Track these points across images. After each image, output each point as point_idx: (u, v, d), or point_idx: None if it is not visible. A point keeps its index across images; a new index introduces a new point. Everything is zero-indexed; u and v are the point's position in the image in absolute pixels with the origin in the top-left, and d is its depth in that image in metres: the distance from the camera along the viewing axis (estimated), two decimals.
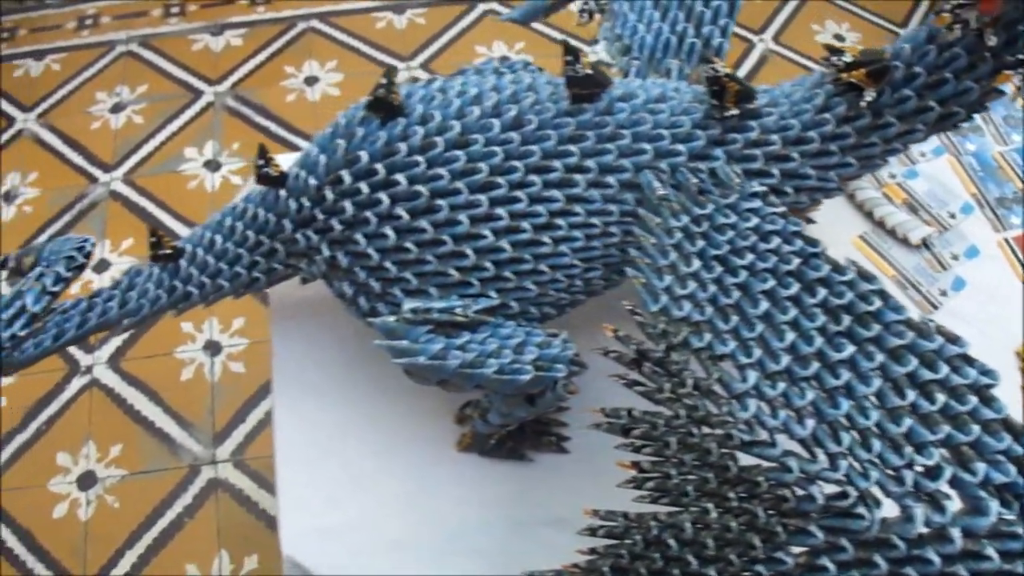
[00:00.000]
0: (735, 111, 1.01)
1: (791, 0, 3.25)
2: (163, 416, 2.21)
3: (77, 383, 2.26)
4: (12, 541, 2.03)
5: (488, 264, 1.01)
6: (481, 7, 3.15)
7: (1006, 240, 1.45)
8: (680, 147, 1.01)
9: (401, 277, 1.03)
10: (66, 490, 2.11)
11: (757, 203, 0.96)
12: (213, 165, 2.68)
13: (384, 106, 1.02)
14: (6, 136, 2.79)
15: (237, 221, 1.13)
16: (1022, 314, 1.33)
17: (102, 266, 2.45)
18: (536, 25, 3.07)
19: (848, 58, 0.98)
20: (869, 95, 0.98)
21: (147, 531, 2.04)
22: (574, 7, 1.33)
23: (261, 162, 1.09)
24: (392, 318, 1.02)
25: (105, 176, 2.66)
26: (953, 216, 1.45)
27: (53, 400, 2.24)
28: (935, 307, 1.35)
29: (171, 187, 2.64)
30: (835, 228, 1.40)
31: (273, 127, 2.77)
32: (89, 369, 2.28)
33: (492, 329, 1.02)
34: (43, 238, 2.52)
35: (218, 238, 1.14)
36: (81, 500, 2.09)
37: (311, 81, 2.90)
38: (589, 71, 0.99)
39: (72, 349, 2.28)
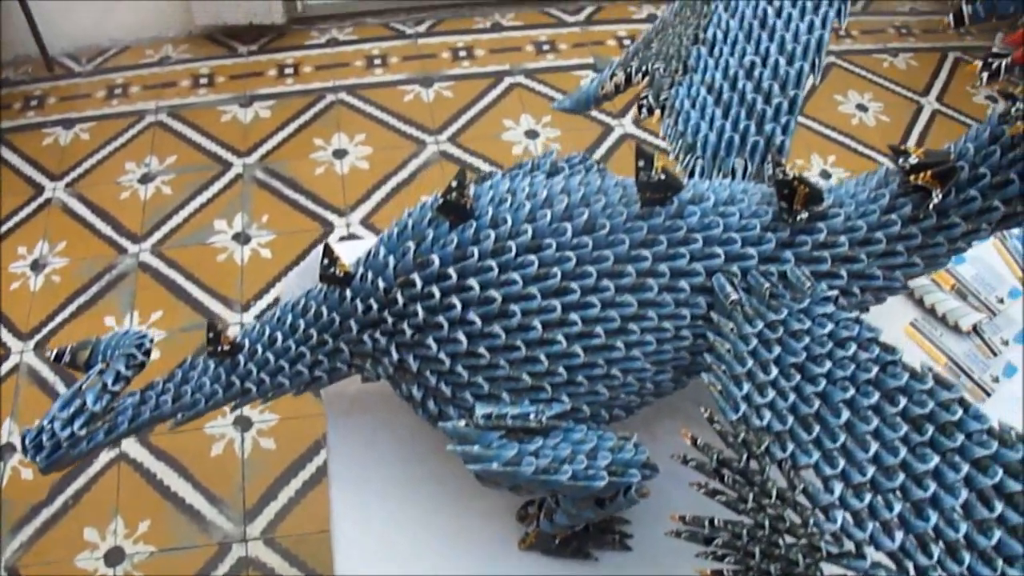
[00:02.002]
0: (804, 214, 1.00)
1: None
2: (192, 492, 2.19)
3: (105, 456, 2.24)
4: None
5: (561, 369, 0.99)
6: (508, 80, 3.18)
7: None
8: (751, 250, 1.00)
9: (473, 382, 1.01)
10: (93, 566, 2.08)
11: (830, 308, 0.95)
12: (242, 238, 2.69)
13: (455, 209, 1.01)
14: (35, 204, 2.80)
15: (299, 319, 1.11)
16: None
17: None
18: (559, 95, 3.10)
19: (914, 159, 0.97)
20: (936, 197, 0.97)
21: None
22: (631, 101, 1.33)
23: (326, 261, 1.07)
24: (463, 423, 1.00)
25: (134, 247, 2.67)
26: (1002, 301, 1.44)
27: (80, 474, 2.22)
28: (988, 394, 1.34)
29: (200, 259, 2.64)
30: (886, 315, 1.38)
31: (302, 200, 2.79)
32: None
33: (564, 433, 1.00)
34: (72, 308, 2.52)
35: (279, 335, 1.12)
36: None
37: (340, 154, 2.92)
38: (663, 176, 0.98)
39: None
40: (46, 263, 2.64)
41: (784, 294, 0.97)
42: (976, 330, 1.41)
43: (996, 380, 1.35)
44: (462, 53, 3.30)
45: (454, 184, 1.00)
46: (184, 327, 2.47)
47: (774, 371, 0.91)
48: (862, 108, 3.19)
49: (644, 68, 1.31)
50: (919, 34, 3.59)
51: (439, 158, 2.92)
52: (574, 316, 0.98)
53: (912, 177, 0.97)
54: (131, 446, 2.25)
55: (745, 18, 1.24)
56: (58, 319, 2.50)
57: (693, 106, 1.22)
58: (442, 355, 1.01)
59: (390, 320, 1.03)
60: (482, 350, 0.99)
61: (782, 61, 1.18)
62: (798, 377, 0.90)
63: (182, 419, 1.15)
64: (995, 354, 1.38)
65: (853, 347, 0.91)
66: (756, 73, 1.19)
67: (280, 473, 2.21)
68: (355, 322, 1.06)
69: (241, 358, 1.14)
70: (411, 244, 1.02)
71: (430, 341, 1.01)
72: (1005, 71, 0.82)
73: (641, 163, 0.98)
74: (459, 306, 0.99)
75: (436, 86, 3.14)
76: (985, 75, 0.84)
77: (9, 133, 3.01)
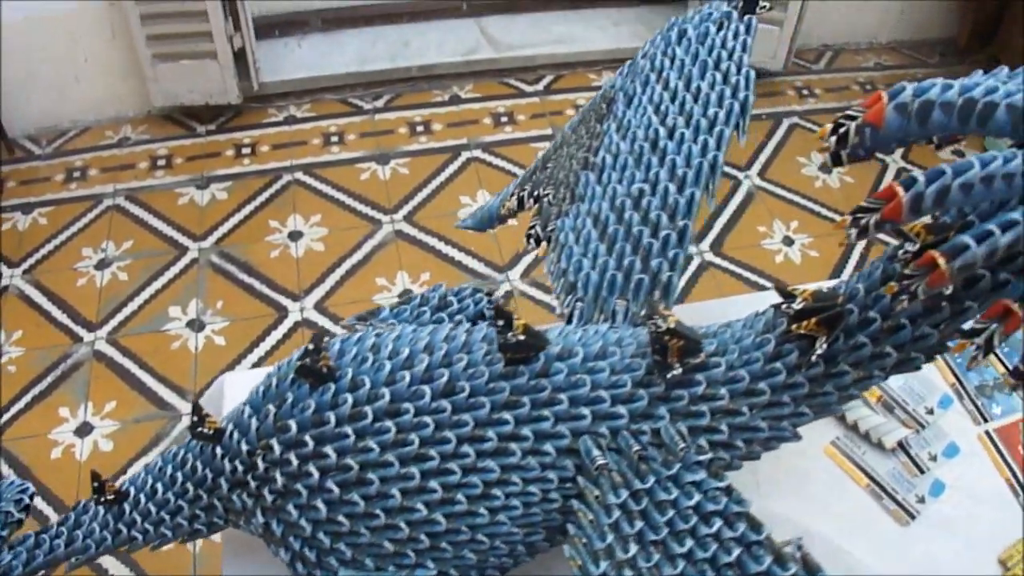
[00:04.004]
0: (678, 369, 0.96)
1: (775, 136, 3.30)
2: None
3: None
4: None
5: (423, 536, 0.97)
6: (466, 155, 3.17)
7: (987, 433, 1.40)
8: (621, 409, 0.96)
9: (335, 548, 0.99)
10: None
11: (700, 475, 0.92)
12: (197, 325, 2.67)
13: (312, 373, 0.99)
14: None
15: (177, 471, 1.10)
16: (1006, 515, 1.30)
17: (84, 429, 2.42)
18: (516, 169, 3.10)
19: (799, 304, 0.93)
20: (820, 346, 0.93)
21: None
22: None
23: (195, 419, 1.05)
24: None
25: (89, 335, 2.65)
26: (931, 412, 1.41)
27: None
28: (913, 516, 1.29)
29: (155, 347, 2.62)
30: (805, 434, 1.34)
31: (257, 285, 2.77)
32: None
33: None
34: (27, 399, 2.50)
35: (159, 486, 1.11)
36: None
37: (295, 236, 2.91)
38: (522, 337, 0.95)
39: (49, 513, 2.25)
40: (1, 354, 2.61)
41: (655, 456, 0.94)
42: (902, 446, 1.37)
43: (922, 500, 1.31)
44: (419, 128, 3.29)
45: (310, 347, 0.99)
46: (137, 418, 2.45)
47: (633, 549, 0.88)
48: (826, 170, 3.18)
49: (536, 193, 1.29)
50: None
51: (394, 238, 2.91)
52: (434, 483, 0.95)
53: (795, 325, 0.94)
54: None
55: (636, 140, 1.18)
56: (12, 410, 2.47)
57: (577, 240, 1.17)
58: (303, 522, 0.99)
59: (253, 484, 1.02)
60: (341, 518, 0.97)
61: (672, 188, 1.11)
62: (657, 556, 0.87)
63: (76, 563, 1.15)
64: (922, 472, 1.34)
65: (718, 523, 0.88)
66: (644, 202, 1.12)
67: None
68: (225, 481, 1.05)
69: (127, 506, 1.13)
70: (271, 407, 1.00)
71: (291, 507, 0.99)
72: (875, 227, 0.79)
73: (500, 323, 0.96)
74: (316, 474, 0.97)
75: (393, 163, 3.14)
76: (854, 231, 0.81)
77: None
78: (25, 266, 2.84)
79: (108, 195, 3.05)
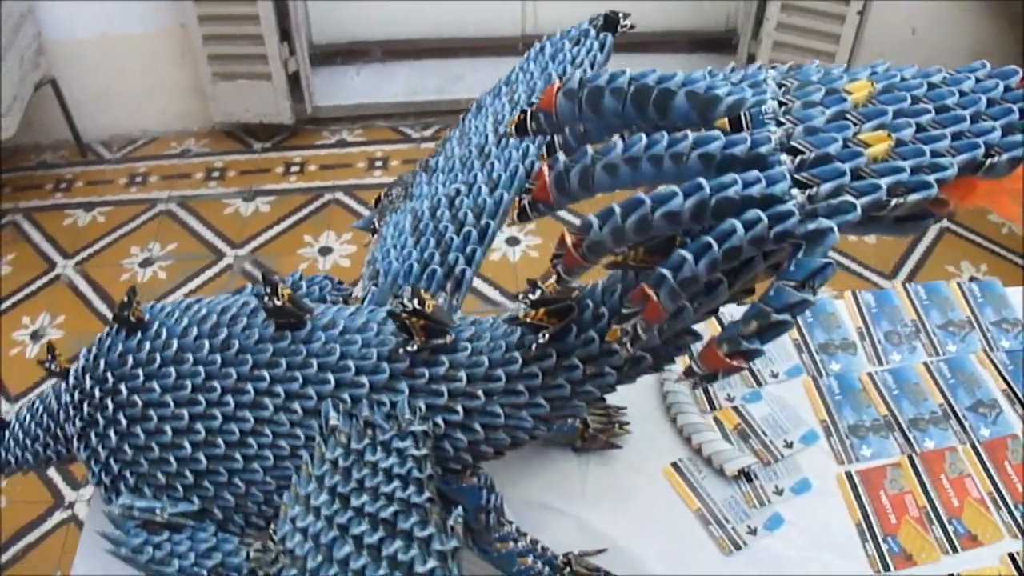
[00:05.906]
0: (414, 345, 1.03)
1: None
2: None
3: (59, 516, 2.38)
4: None
5: (188, 472, 1.09)
6: None
7: (848, 474, 1.38)
8: (363, 379, 1.03)
9: (123, 475, 1.12)
10: None
11: (407, 443, 0.99)
12: None
13: (124, 323, 1.13)
14: (45, 279, 3.01)
15: (42, 404, 1.25)
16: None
17: None
18: None
19: (535, 295, 0.97)
20: (542, 336, 0.96)
21: None
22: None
23: (49, 356, 1.20)
24: (116, 509, 1.11)
25: None
26: (789, 445, 1.40)
27: (34, 529, 2.36)
28: (738, 547, 1.29)
29: None
30: (649, 454, 1.38)
31: None
32: (71, 504, 2.40)
33: (192, 532, 1.09)
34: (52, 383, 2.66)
35: (28, 416, 1.27)
36: None
37: (325, 251, 3.05)
38: (280, 304, 1.05)
39: (58, 482, 2.44)
40: (44, 334, 2.83)
41: (384, 426, 1.01)
42: (747, 476, 1.36)
43: (753, 532, 1.31)
44: None
45: (124, 299, 1.13)
46: None
47: (323, 498, 0.97)
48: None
49: (389, 192, 1.36)
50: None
51: None
52: (199, 425, 1.07)
53: (522, 316, 0.98)
54: (84, 510, 2.36)
55: (470, 144, 1.24)
56: (44, 387, 2.64)
57: (393, 233, 1.24)
58: (100, 448, 1.13)
59: (71, 412, 1.16)
60: (127, 447, 1.11)
61: (485, 189, 1.17)
62: (337, 506, 0.96)
63: None
64: (762, 504, 1.34)
65: (395, 484, 0.95)
66: (458, 201, 1.19)
67: None
68: (63, 411, 1.19)
69: (7, 433, 1.30)
70: (94, 348, 1.15)
71: (92, 435, 1.13)
72: (530, 209, 0.76)
73: (267, 290, 1.06)
74: (111, 408, 1.11)
75: None
76: (515, 213, 0.82)
77: (37, 212, 3.24)
78: (78, 258, 3.06)
79: (162, 200, 3.26)
